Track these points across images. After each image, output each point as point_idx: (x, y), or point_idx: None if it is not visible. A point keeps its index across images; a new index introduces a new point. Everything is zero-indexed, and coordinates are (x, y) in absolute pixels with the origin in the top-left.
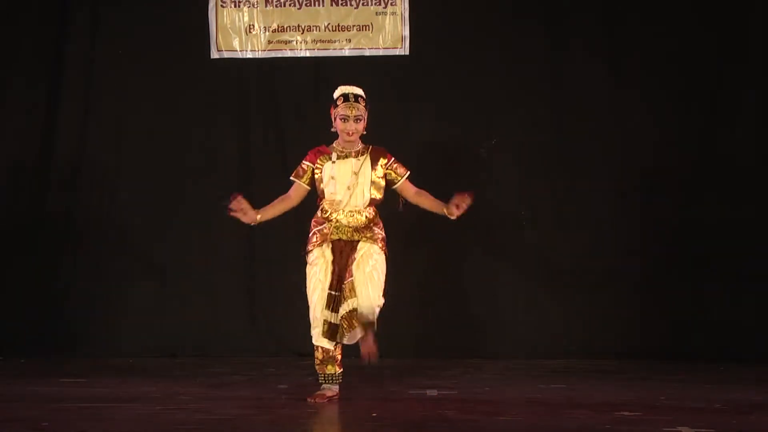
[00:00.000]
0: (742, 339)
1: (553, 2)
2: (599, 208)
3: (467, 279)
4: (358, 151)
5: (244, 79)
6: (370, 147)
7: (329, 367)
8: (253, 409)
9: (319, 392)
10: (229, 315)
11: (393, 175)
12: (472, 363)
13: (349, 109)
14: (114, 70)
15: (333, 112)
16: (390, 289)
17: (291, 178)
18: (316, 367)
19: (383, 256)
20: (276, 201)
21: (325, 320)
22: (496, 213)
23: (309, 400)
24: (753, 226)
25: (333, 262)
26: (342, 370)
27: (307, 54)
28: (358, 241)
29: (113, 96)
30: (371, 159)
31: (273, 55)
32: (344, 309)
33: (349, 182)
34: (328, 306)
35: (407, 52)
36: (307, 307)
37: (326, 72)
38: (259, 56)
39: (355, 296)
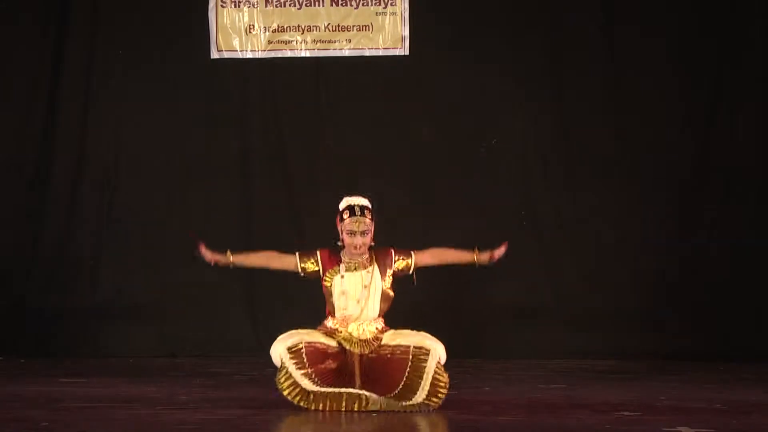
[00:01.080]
0: (743, 339)
1: (554, 3)
2: (599, 208)
3: (467, 279)
4: (366, 260)
5: (244, 79)
6: (374, 253)
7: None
8: (253, 409)
9: None
10: (229, 315)
11: (403, 264)
12: (472, 363)
13: (355, 224)
14: (114, 70)
15: (339, 225)
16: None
17: (297, 252)
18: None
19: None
20: (262, 254)
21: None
22: (496, 213)
23: None
24: (753, 225)
25: (336, 354)
26: None
27: (307, 54)
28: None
29: (113, 96)
30: (379, 267)
31: (273, 55)
32: (429, 376)
33: (359, 296)
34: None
35: (407, 52)
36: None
37: (326, 72)
38: (259, 56)
39: (430, 348)
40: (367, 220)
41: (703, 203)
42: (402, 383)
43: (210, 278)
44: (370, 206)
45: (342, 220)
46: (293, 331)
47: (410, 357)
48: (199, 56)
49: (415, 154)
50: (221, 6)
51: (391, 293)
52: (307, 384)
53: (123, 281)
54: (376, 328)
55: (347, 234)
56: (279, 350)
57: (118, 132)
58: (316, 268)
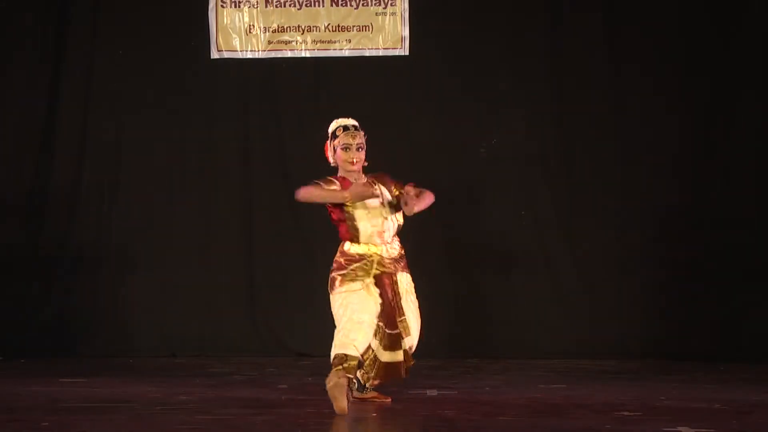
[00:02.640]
0: (742, 339)
1: (554, 2)
2: (600, 208)
3: (467, 279)
4: (368, 181)
5: (244, 79)
6: (372, 176)
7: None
8: (253, 409)
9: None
10: (229, 315)
11: (397, 192)
12: (472, 363)
13: (350, 137)
14: (114, 70)
15: (331, 144)
16: None
17: (317, 181)
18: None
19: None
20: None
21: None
22: (496, 213)
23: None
24: (753, 224)
25: (381, 295)
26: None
27: (307, 54)
28: (395, 273)
29: (113, 96)
30: (383, 186)
31: (273, 55)
32: (405, 346)
33: (382, 214)
34: (377, 336)
35: (407, 53)
36: (322, 313)
37: (326, 72)
38: (259, 56)
39: (409, 334)
40: (362, 135)
41: (704, 203)
42: (397, 330)
43: (210, 278)
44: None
45: (335, 137)
46: (354, 317)
47: (402, 318)
48: (199, 56)
49: (415, 155)
50: (221, 6)
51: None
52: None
53: (123, 281)
54: (399, 245)
55: (342, 149)
56: (366, 341)
57: (118, 132)
58: (336, 187)
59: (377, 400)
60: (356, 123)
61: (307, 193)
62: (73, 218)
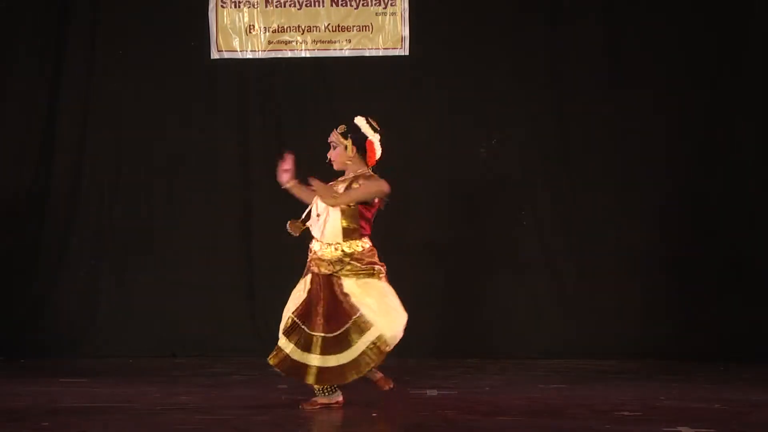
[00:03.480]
0: (743, 339)
1: (554, 3)
2: (600, 208)
3: (467, 279)
4: (346, 180)
5: (244, 79)
6: (359, 174)
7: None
8: (253, 409)
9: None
10: (229, 315)
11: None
12: (472, 363)
13: (331, 135)
14: (114, 70)
15: None
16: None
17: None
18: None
19: (385, 284)
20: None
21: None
22: (496, 213)
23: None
24: (753, 225)
25: (308, 291)
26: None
27: (307, 54)
28: (335, 276)
29: (113, 96)
30: (348, 185)
31: (273, 55)
32: (365, 342)
33: (320, 211)
34: (286, 332)
35: (407, 53)
36: None
37: (326, 73)
38: (260, 56)
39: (372, 326)
40: (336, 134)
41: (704, 203)
42: (339, 332)
43: (210, 278)
44: (355, 125)
45: None
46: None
47: (352, 318)
48: (199, 56)
49: (415, 154)
50: (221, 6)
51: (355, 210)
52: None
53: (123, 281)
54: (342, 251)
55: None
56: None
57: (118, 132)
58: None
59: (381, 383)
60: (349, 122)
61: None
62: (73, 218)
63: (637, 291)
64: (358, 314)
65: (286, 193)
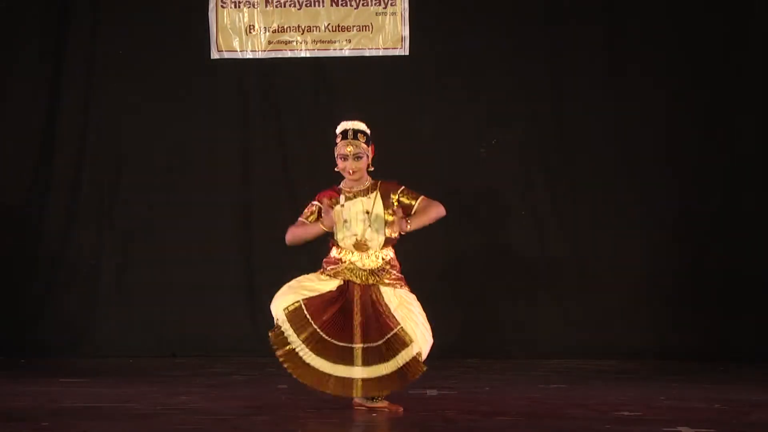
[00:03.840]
0: (743, 339)
1: (554, 2)
2: (600, 208)
3: (467, 279)
4: (367, 188)
5: (244, 79)
6: (380, 182)
7: None
8: (253, 409)
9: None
10: (229, 314)
11: (406, 201)
12: (473, 363)
13: (346, 147)
14: (114, 70)
15: (335, 150)
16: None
17: (300, 219)
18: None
19: (414, 296)
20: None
21: (329, 374)
22: (496, 213)
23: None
24: (754, 224)
25: (336, 297)
26: None
27: (307, 54)
28: (373, 285)
29: (113, 96)
30: (382, 195)
31: (273, 55)
32: (409, 354)
33: (363, 223)
34: (292, 320)
35: (407, 53)
36: None
37: (326, 73)
38: (260, 57)
39: (413, 341)
40: (361, 143)
41: (704, 203)
42: (381, 342)
43: (210, 278)
44: (367, 131)
45: (335, 145)
46: (293, 283)
47: (394, 330)
48: (199, 56)
49: (415, 154)
50: (221, 6)
51: (392, 220)
52: (303, 352)
53: (123, 281)
54: (382, 259)
55: (340, 158)
56: (276, 311)
57: (118, 132)
58: (313, 209)
59: (386, 409)
60: (361, 127)
61: (292, 237)
62: (73, 218)
63: (637, 291)
64: (398, 327)
65: (286, 193)
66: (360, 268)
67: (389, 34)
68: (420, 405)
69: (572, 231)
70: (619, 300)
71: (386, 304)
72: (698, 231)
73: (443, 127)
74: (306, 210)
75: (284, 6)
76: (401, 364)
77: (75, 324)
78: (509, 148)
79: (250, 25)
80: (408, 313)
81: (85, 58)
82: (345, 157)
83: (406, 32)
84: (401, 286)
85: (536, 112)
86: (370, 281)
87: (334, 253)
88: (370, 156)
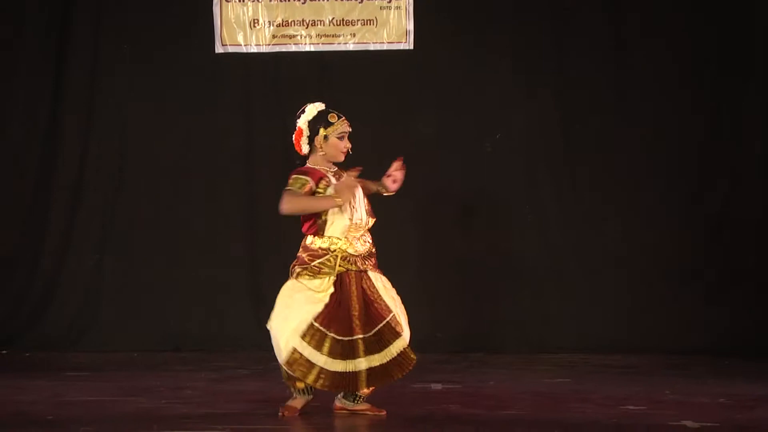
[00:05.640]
0: (747, 334)
1: None
2: (603, 205)
3: (471, 273)
4: (337, 170)
5: (248, 73)
6: (340, 171)
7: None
8: (258, 404)
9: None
10: (233, 309)
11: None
12: (477, 357)
13: (346, 125)
14: (118, 64)
15: (320, 131)
16: (393, 285)
17: (289, 188)
18: (287, 381)
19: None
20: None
21: (334, 371)
22: (500, 209)
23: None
24: (754, 223)
25: (336, 297)
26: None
27: (312, 48)
28: (364, 272)
29: (117, 91)
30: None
31: (277, 49)
32: (400, 345)
33: (366, 205)
34: (335, 354)
35: (411, 47)
36: None
37: (331, 67)
38: (264, 51)
39: (403, 330)
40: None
41: (706, 201)
42: (374, 331)
43: (214, 272)
44: None
45: (328, 124)
46: (286, 313)
47: (385, 320)
48: (204, 51)
49: (420, 149)
50: (225, 1)
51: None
52: (330, 364)
53: (127, 275)
54: (368, 242)
55: (339, 137)
56: (293, 341)
57: (122, 128)
58: (309, 184)
59: (369, 413)
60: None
61: (294, 207)
62: (76, 214)
63: (642, 286)
64: (390, 315)
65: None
66: (352, 254)
67: (394, 28)
68: (424, 399)
69: (576, 227)
70: (624, 295)
71: (375, 291)
72: (703, 228)
73: (447, 121)
74: (294, 182)
75: (288, 0)
76: (395, 354)
77: (79, 318)
78: (514, 143)
79: (254, 19)
80: (393, 300)
81: (87, 55)
82: (344, 136)
83: (411, 26)
84: (377, 269)
85: (541, 107)
86: (363, 267)
87: (318, 243)
88: None
